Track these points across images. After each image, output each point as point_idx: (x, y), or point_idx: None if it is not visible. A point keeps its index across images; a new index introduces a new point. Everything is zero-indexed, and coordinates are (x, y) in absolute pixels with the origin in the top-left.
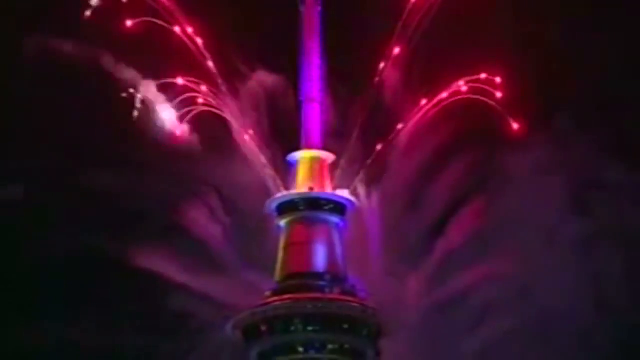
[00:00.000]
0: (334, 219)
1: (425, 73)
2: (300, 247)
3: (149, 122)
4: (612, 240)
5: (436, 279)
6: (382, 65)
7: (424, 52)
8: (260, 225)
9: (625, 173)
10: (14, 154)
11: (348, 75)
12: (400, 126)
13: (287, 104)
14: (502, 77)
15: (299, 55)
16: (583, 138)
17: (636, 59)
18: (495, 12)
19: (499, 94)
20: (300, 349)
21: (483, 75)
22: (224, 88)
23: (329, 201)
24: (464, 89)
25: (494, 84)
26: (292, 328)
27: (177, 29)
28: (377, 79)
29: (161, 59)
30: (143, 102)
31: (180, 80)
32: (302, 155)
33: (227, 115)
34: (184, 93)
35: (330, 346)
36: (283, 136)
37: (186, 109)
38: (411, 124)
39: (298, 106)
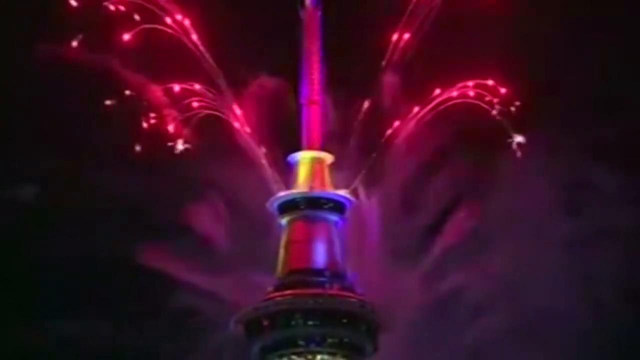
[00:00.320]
0: (334, 217)
1: (422, 77)
2: (300, 245)
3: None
4: (604, 241)
5: (433, 276)
6: (381, 67)
7: (422, 56)
8: (262, 224)
9: (617, 174)
10: (24, 155)
11: (348, 78)
12: (398, 128)
13: (288, 106)
14: (498, 82)
15: (299, 59)
16: (574, 140)
17: (627, 63)
18: (493, 17)
19: (495, 100)
20: (301, 343)
21: (480, 81)
22: (227, 92)
23: (328, 200)
24: (455, 93)
25: (491, 89)
26: (293, 323)
27: (173, 28)
28: (376, 82)
29: (167, 65)
30: (149, 105)
31: (185, 85)
32: (303, 156)
33: (230, 119)
34: (189, 97)
35: (329, 340)
36: (284, 137)
37: (191, 113)
38: (409, 126)
39: (299, 108)
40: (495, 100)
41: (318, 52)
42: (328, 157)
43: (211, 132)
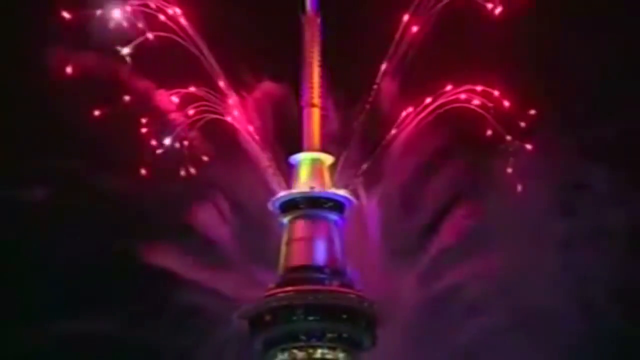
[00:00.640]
0: (333, 216)
1: (420, 82)
2: (301, 243)
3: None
4: (598, 241)
5: (430, 274)
6: (380, 70)
7: (420, 59)
8: (264, 223)
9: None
10: (36, 157)
11: (348, 81)
12: (395, 131)
13: (290, 109)
14: (493, 87)
15: (300, 63)
16: (568, 142)
17: (619, 67)
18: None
19: (490, 104)
20: (302, 337)
21: (476, 87)
22: (231, 97)
23: (328, 200)
24: (450, 98)
25: (487, 94)
26: (294, 318)
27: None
28: (375, 86)
29: (174, 71)
30: (155, 109)
31: (190, 90)
32: (303, 157)
33: (234, 122)
34: (195, 102)
35: (329, 335)
36: (285, 139)
37: (197, 117)
38: (407, 129)
39: (300, 111)
40: (491, 104)
41: (318, 56)
42: (328, 158)
43: (216, 135)
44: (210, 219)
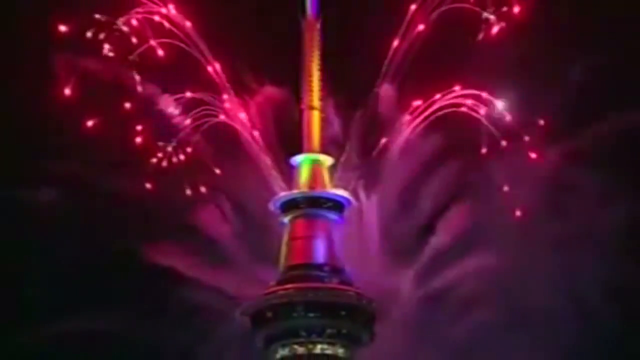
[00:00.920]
0: (333, 215)
1: (418, 86)
2: (301, 241)
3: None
4: (590, 241)
5: (426, 273)
6: (380, 74)
7: (418, 65)
8: (265, 223)
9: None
10: (45, 159)
11: (347, 85)
12: (395, 133)
13: (291, 112)
14: (490, 94)
15: (300, 67)
16: (557, 145)
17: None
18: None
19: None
20: (302, 333)
21: (472, 91)
22: (235, 102)
23: (328, 199)
24: (447, 102)
25: (482, 99)
26: (295, 314)
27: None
28: (374, 89)
29: (180, 77)
30: (161, 114)
31: (195, 95)
32: (304, 159)
33: (237, 125)
34: (199, 106)
35: (329, 331)
36: (286, 141)
37: (201, 121)
38: (406, 131)
39: (301, 114)
40: (486, 109)
41: (317, 61)
42: (328, 160)
43: (219, 138)
44: (212, 219)
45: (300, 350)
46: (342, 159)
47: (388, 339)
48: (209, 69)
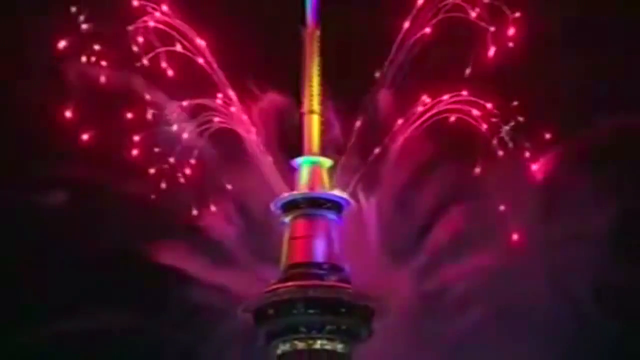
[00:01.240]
0: (332, 215)
1: (416, 91)
2: (302, 240)
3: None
4: (581, 241)
5: (423, 272)
6: (377, 75)
7: (416, 69)
8: (267, 223)
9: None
10: (45, 159)
11: (346, 90)
12: (393, 137)
13: (292, 116)
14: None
15: (300, 73)
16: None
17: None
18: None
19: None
20: (303, 329)
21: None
22: (238, 107)
23: (327, 200)
24: (444, 107)
25: (480, 105)
26: (295, 311)
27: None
28: (372, 94)
29: (185, 84)
30: (168, 120)
31: (200, 101)
32: (304, 160)
33: (240, 130)
34: (204, 112)
35: (328, 327)
36: (287, 144)
37: (206, 126)
38: (404, 135)
39: (301, 118)
40: (483, 113)
41: (317, 67)
42: (327, 162)
43: (223, 142)
44: (216, 219)
45: (301, 345)
46: (342, 161)
47: (386, 336)
48: (214, 76)
